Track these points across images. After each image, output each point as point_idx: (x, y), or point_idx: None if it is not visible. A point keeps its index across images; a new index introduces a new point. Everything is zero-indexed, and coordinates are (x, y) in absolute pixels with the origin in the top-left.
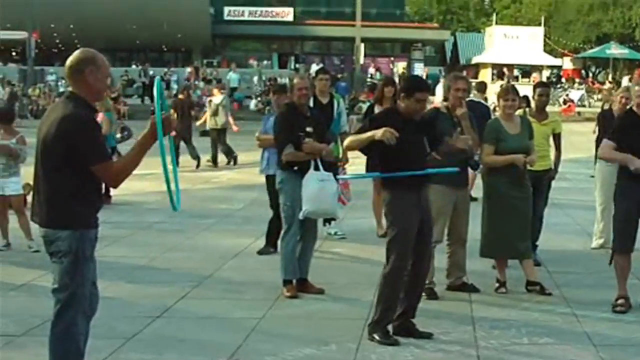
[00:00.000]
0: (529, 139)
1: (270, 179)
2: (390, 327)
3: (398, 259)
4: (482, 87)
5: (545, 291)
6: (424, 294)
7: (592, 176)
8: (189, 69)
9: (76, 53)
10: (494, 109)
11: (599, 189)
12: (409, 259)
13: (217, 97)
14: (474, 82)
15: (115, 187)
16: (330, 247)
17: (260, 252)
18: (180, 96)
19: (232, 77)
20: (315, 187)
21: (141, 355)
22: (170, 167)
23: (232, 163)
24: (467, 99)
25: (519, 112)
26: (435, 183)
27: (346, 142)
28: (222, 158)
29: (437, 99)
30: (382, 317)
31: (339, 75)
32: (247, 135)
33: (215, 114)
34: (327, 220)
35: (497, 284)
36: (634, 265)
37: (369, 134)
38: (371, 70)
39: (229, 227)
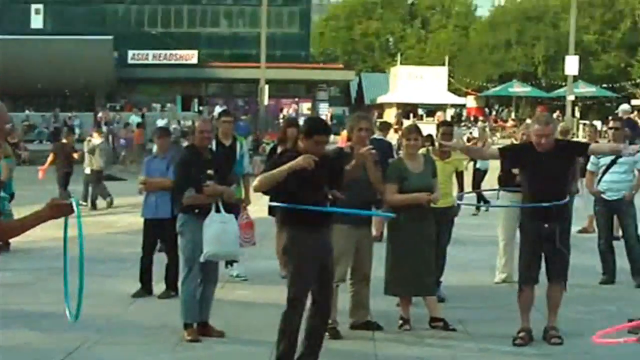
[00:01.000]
0: (432, 177)
1: (150, 223)
2: None
3: (293, 298)
4: (384, 127)
5: (449, 327)
6: (327, 334)
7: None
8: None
9: None
10: (398, 147)
11: (502, 224)
12: (304, 299)
13: (96, 139)
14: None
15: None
16: (232, 290)
17: (160, 297)
18: (64, 140)
19: (134, 119)
20: (217, 229)
21: None
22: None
23: (109, 205)
24: (372, 137)
25: (422, 150)
26: (338, 222)
27: (256, 182)
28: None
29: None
30: (281, 357)
31: (242, 117)
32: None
33: (92, 153)
34: (229, 262)
35: (400, 321)
36: (536, 299)
37: (285, 166)
38: (286, 111)
39: (129, 271)
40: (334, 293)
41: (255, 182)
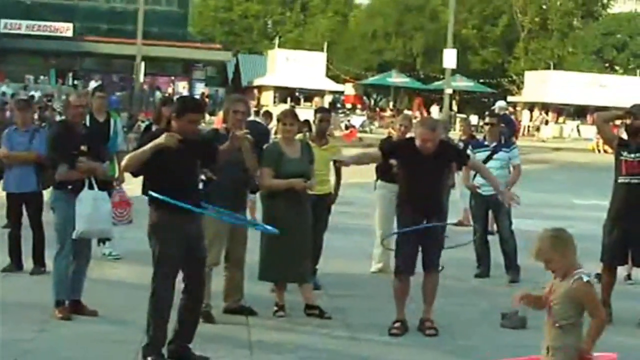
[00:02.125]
0: (309, 163)
1: (14, 197)
2: (165, 350)
3: (157, 281)
4: (267, 116)
5: (324, 315)
6: (200, 317)
7: None
8: None
9: None
10: (275, 132)
11: (379, 213)
12: (168, 283)
13: None
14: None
15: None
16: (105, 268)
17: (32, 273)
18: None
19: (6, 90)
20: (89, 206)
21: None
22: None
23: None
24: (250, 120)
25: (299, 136)
26: (212, 205)
27: (124, 161)
28: None
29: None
30: (152, 340)
31: (117, 93)
32: None
33: None
34: (102, 240)
35: (275, 308)
36: (413, 289)
37: (149, 145)
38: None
39: (1, 245)
40: (208, 276)
41: (124, 160)
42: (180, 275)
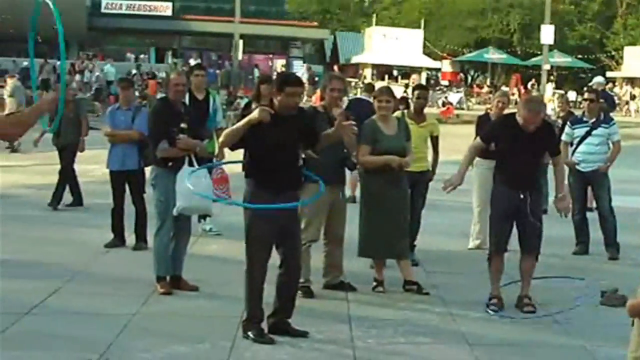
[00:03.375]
0: (406, 140)
1: (117, 174)
2: (265, 325)
3: (249, 258)
4: (369, 88)
5: (423, 291)
6: (300, 292)
7: None
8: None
9: None
10: None
11: (476, 191)
12: (261, 258)
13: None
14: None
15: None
16: (205, 244)
17: (134, 248)
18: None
19: (109, 70)
20: (190, 183)
21: (8, 353)
22: None
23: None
24: (354, 97)
25: (397, 113)
26: (310, 182)
27: (221, 138)
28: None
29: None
30: (251, 315)
31: (217, 71)
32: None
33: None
34: (202, 217)
35: (374, 284)
36: (508, 265)
37: (242, 121)
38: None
39: (104, 221)
40: (307, 253)
41: (221, 137)
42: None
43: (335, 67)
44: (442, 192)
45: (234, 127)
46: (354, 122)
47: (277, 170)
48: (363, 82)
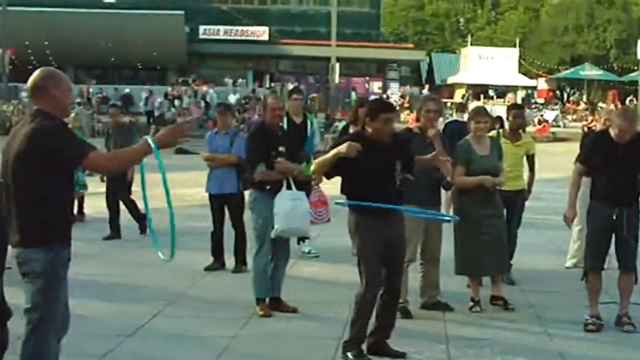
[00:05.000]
0: (498, 159)
1: (216, 198)
2: (364, 346)
3: (366, 281)
4: (462, 107)
5: (509, 306)
6: (398, 313)
7: None
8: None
9: (36, 72)
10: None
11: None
12: (378, 280)
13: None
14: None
15: (109, 172)
16: (304, 266)
17: (234, 271)
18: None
19: (212, 94)
20: (287, 206)
21: None
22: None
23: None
24: (452, 119)
25: (493, 133)
26: (407, 203)
27: (313, 166)
28: None
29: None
30: (355, 336)
31: (314, 95)
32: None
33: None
34: (301, 239)
35: (471, 303)
36: (606, 284)
37: (332, 152)
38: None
39: (204, 244)
40: (404, 272)
41: (312, 165)
42: None
43: (425, 89)
44: (538, 210)
45: (324, 157)
46: (450, 160)
47: (376, 196)
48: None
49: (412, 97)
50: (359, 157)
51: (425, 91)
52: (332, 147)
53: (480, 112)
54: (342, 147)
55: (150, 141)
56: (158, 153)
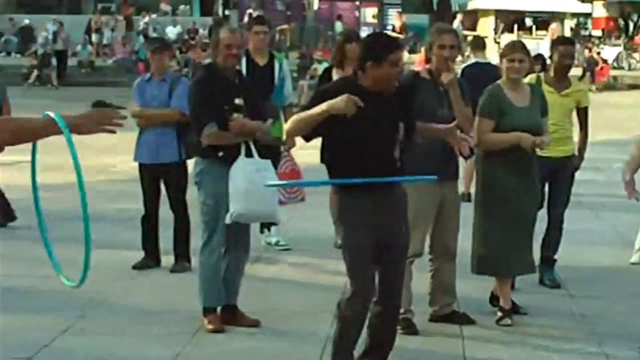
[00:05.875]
0: (542, 115)
1: (149, 170)
2: None
3: (353, 285)
4: (479, 44)
5: (520, 310)
6: (398, 327)
7: None
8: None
9: None
10: None
11: None
12: (368, 284)
13: None
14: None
15: None
16: (270, 263)
17: (173, 270)
18: None
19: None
20: (248, 180)
21: None
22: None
23: None
24: (471, 62)
25: (530, 77)
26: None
27: (288, 124)
28: None
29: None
30: (338, 358)
31: (282, 27)
32: None
33: None
34: (266, 226)
35: (499, 314)
36: None
37: (320, 108)
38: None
39: (132, 234)
40: (407, 272)
41: (287, 124)
42: None
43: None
44: (593, 185)
45: (306, 114)
46: (469, 139)
47: (369, 168)
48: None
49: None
50: (352, 115)
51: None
52: (313, 100)
53: (516, 47)
54: (338, 102)
55: (56, 119)
56: (70, 138)
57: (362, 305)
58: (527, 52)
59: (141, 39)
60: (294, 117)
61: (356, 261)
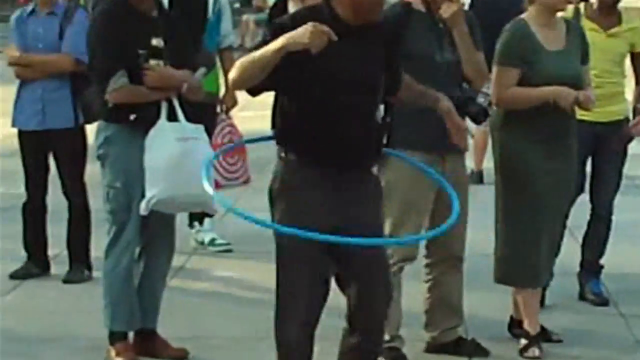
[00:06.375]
0: (582, 62)
1: (33, 139)
2: None
3: (282, 302)
4: None
5: (553, 337)
6: (383, 359)
7: None
8: None
9: None
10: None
11: None
12: (303, 301)
13: None
14: None
15: None
16: (202, 270)
17: (66, 280)
18: None
19: None
20: (172, 152)
21: None
22: None
23: None
24: None
25: (567, 11)
26: (400, 147)
27: (233, 71)
28: None
29: None
30: None
31: None
32: None
33: None
34: (196, 217)
35: (523, 342)
36: None
37: (272, 45)
38: None
39: (7, 229)
40: (396, 284)
41: (232, 71)
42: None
43: None
44: None
45: (256, 55)
46: (469, 129)
47: (340, 133)
48: None
49: None
50: (317, 56)
51: None
52: (266, 37)
53: None
54: (299, 33)
55: None
56: None
57: (299, 330)
58: None
59: None
60: (240, 62)
61: (290, 267)
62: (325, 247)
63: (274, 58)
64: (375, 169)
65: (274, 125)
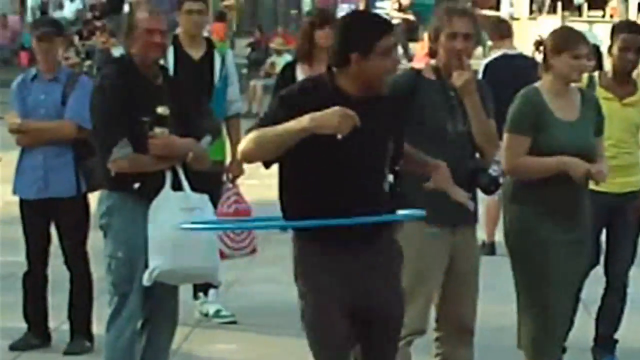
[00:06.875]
0: (596, 133)
1: (34, 208)
2: None
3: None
4: (503, 30)
5: None
6: None
7: None
8: None
9: None
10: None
11: None
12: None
13: None
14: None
15: None
16: (207, 342)
17: (68, 351)
18: None
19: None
20: (176, 223)
21: None
22: None
23: None
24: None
25: (583, 78)
26: (414, 220)
27: (243, 144)
28: None
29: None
30: None
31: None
32: None
33: None
34: (201, 289)
35: None
36: None
37: (295, 125)
38: None
39: (7, 299)
40: (403, 357)
41: (242, 142)
42: None
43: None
44: None
45: (274, 131)
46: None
47: (349, 210)
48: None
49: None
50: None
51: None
52: (276, 110)
53: (581, 37)
54: (328, 118)
55: None
56: None
57: None
58: (587, 42)
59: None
60: (255, 136)
61: (320, 337)
62: (350, 310)
63: (296, 138)
64: (393, 234)
65: (281, 195)
